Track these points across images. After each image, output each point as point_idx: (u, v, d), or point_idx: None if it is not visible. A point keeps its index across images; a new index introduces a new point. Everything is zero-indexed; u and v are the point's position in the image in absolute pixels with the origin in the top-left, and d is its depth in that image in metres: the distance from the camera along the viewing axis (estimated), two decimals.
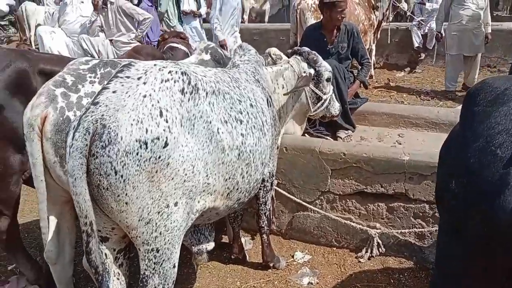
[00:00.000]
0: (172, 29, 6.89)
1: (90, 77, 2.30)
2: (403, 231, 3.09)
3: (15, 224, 2.82)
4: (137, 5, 6.50)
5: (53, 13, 5.92)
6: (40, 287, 2.92)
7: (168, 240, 1.89)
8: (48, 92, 2.17)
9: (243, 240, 3.27)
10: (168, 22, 7.15)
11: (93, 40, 5.67)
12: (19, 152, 2.63)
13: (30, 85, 2.65)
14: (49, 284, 2.66)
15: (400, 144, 3.70)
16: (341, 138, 3.86)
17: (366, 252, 3.19)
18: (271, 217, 3.24)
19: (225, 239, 3.51)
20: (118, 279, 2.00)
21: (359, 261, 3.18)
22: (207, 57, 3.26)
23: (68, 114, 2.16)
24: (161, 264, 1.90)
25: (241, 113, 2.27)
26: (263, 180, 2.69)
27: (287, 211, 3.47)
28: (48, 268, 2.52)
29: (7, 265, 3.35)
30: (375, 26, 7.07)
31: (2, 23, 13.78)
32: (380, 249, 3.15)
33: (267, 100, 2.67)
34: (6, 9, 13.44)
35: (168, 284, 1.94)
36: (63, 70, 2.31)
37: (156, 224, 1.84)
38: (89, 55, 5.59)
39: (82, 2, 6.15)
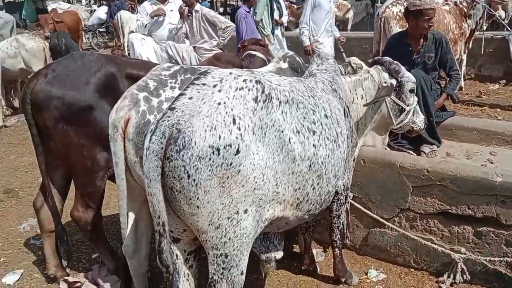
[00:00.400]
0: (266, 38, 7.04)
1: (171, 82, 2.39)
2: (492, 259, 2.81)
3: (99, 216, 3.02)
4: (233, 12, 6.67)
5: (146, 24, 6.29)
6: (119, 277, 3.08)
7: (237, 246, 1.89)
8: (132, 95, 2.29)
9: (314, 251, 3.19)
10: (262, 31, 7.29)
11: (178, 46, 5.93)
12: (105, 150, 2.80)
13: (118, 88, 2.81)
14: (127, 276, 2.79)
15: (491, 163, 3.38)
16: (424, 153, 3.63)
17: (448, 277, 2.94)
18: (345, 231, 3.12)
19: (296, 248, 3.45)
20: (187, 280, 2.05)
21: (440, 287, 2.95)
22: (284, 65, 3.25)
23: (149, 118, 2.25)
24: (229, 270, 1.90)
25: (315, 124, 2.22)
26: (337, 192, 2.60)
27: (362, 226, 3.32)
28: (126, 261, 2.64)
29: (91, 253, 3.59)
30: (467, 35, 6.59)
31: (101, 30, 15.07)
32: (464, 276, 2.89)
33: (344, 110, 2.58)
34: (104, 17, 14.70)
35: None
36: (146, 75, 2.42)
37: (225, 229, 1.85)
38: (173, 61, 5.85)
39: (172, 10, 6.48)
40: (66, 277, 3.12)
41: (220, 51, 5.80)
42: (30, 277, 3.32)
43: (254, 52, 3.95)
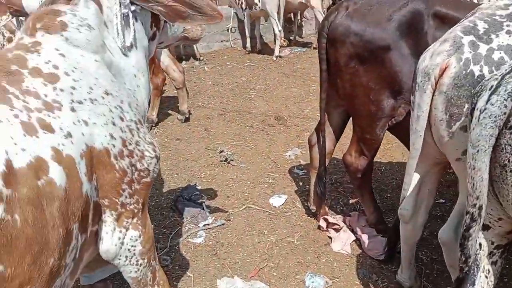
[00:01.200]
0: None
1: (508, 25, 1.85)
2: None
3: (371, 165, 2.86)
4: None
5: None
6: (378, 232, 2.93)
7: None
8: (455, 39, 1.87)
9: None
10: None
11: None
12: (393, 97, 2.56)
13: (422, 28, 2.47)
14: (391, 237, 2.61)
15: None
16: None
17: None
18: None
19: None
20: (486, 277, 1.66)
21: None
22: None
23: (472, 68, 1.81)
24: None
25: None
26: None
27: None
28: (397, 222, 2.42)
29: (349, 198, 3.52)
30: None
31: None
32: None
33: None
34: None
35: None
36: (474, 15, 1.94)
37: None
38: None
39: None
40: (326, 216, 3.13)
41: None
42: (292, 205, 3.50)
43: None
